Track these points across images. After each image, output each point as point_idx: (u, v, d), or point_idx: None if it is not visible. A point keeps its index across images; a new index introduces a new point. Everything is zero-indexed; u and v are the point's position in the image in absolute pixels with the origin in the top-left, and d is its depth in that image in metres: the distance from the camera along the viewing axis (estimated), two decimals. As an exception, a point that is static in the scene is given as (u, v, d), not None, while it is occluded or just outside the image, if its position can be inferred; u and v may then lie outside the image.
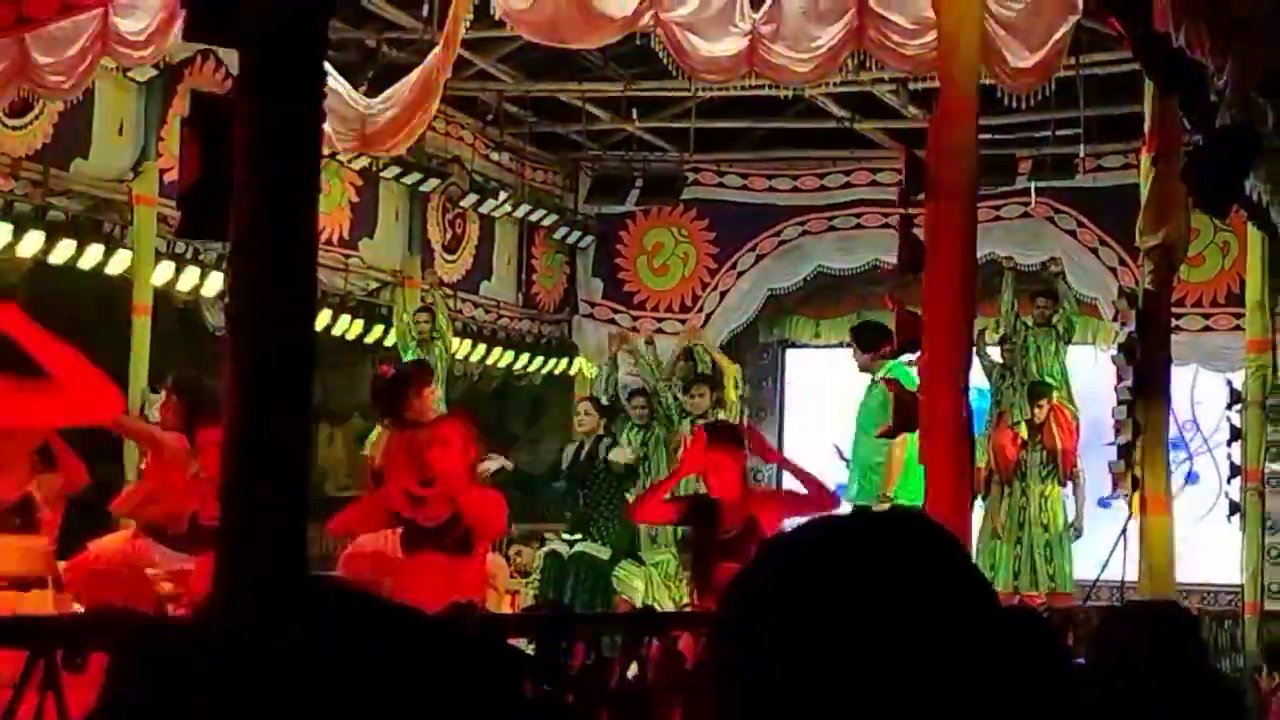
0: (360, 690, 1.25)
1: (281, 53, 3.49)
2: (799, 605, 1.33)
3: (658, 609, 10.63)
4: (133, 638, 3.06)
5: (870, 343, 11.74)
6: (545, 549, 11.93)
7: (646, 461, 12.77)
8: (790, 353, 17.75)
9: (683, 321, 16.80)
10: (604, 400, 13.34)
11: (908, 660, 1.30)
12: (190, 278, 12.65)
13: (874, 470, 11.73)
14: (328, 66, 11.18)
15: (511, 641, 5.18)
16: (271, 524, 3.46)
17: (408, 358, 13.72)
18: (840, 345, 17.26)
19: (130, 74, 11.94)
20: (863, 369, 12.13)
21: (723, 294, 16.97)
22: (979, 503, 13.04)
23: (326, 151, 12.09)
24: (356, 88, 12.06)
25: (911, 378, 11.48)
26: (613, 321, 17.25)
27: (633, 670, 5.34)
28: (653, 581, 11.66)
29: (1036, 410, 13.47)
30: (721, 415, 13.27)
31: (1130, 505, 8.81)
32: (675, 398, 13.37)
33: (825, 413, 17.42)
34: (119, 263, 12.15)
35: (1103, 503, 12.36)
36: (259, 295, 3.51)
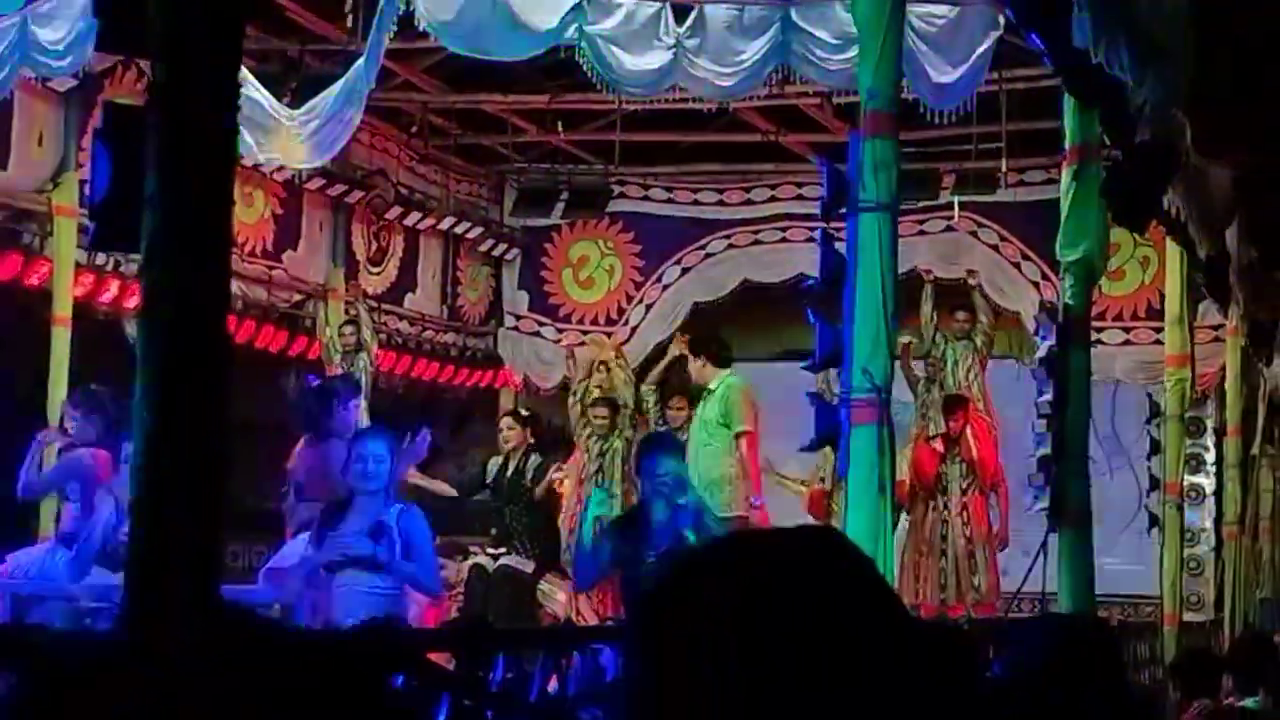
0: None
1: (194, 63, 3.45)
2: (709, 623, 1.32)
3: (580, 623, 10.63)
4: (36, 652, 3.02)
5: (704, 351, 12.06)
6: (469, 562, 11.90)
7: (601, 474, 12.78)
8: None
9: (608, 334, 16.79)
10: (523, 412, 13.35)
11: (826, 675, 1.30)
12: (111, 289, 12.54)
13: (716, 485, 11.72)
14: (250, 77, 11.16)
15: (432, 657, 5.15)
16: (186, 539, 3.42)
17: (332, 370, 13.66)
18: (767, 359, 17.34)
19: (50, 84, 11.80)
20: (697, 379, 12.31)
21: (648, 307, 16.96)
22: (903, 517, 13.13)
23: (249, 163, 12.05)
24: (279, 99, 11.97)
25: (734, 391, 11.72)
26: (538, 334, 17.24)
27: (553, 684, 5.33)
28: (576, 594, 11.64)
29: (952, 423, 13.55)
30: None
31: (1050, 518, 8.88)
32: (643, 403, 13.43)
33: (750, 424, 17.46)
34: (39, 273, 12.02)
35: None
36: (172, 306, 3.47)
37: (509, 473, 12.18)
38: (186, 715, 1.25)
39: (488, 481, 12.27)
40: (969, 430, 13.64)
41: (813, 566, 1.36)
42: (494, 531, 11.86)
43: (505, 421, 12.75)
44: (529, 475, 12.15)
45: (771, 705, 1.29)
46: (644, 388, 13.73)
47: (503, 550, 11.75)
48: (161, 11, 3.55)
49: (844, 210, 7.58)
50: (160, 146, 3.48)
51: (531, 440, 12.60)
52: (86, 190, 11.49)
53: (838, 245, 7.78)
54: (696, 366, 12.45)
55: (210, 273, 3.52)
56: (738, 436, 11.99)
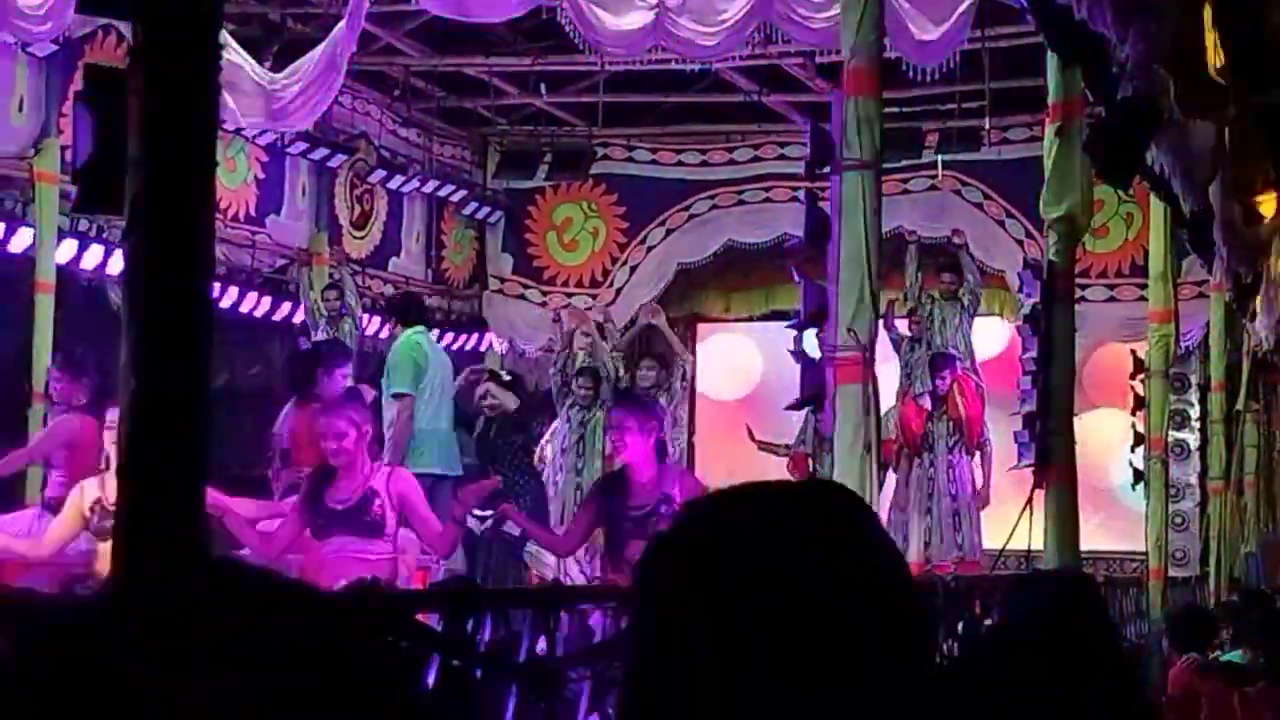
0: (244, 674, 1.24)
1: (174, 25, 3.44)
2: (724, 576, 1.33)
3: (568, 583, 10.65)
4: (23, 614, 3.03)
5: (401, 314, 11.94)
6: None
7: (582, 443, 12.77)
8: (701, 327, 17.78)
9: (593, 297, 16.80)
10: (504, 375, 13.33)
11: (833, 632, 1.31)
12: (94, 255, 12.49)
13: (436, 435, 11.44)
14: (231, 41, 11.12)
15: (420, 618, 5.16)
16: (171, 504, 3.42)
17: (317, 335, 13.63)
18: (750, 319, 17.37)
19: (30, 49, 11.74)
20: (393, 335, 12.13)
21: (632, 269, 16.97)
22: (890, 474, 13.17)
23: (231, 127, 12.01)
24: (261, 62, 11.95)
25: (419, 345, 11.44)
26: (522, 297, 17.24)
27: (541, 645, 5.35)
28: (562, 556, 11.66)
29: (939, 381, 13.59)
30: (664, 397, 13.29)
31: (1035, 474, 8.90)
32: (618, 370, 13.38)
33: (737, 386, 17.53)
34: (21, 240, 11.97)
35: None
36: (155, 270, 3.46)
37: (491, 435, 12.17)
38: (179, 677, 1.26)
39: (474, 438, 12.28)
40: (956, 389, 13.67)
41: (797, 539, 1.36)
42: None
43: (486, 388, 12.73)
44: (514, 439, 12.14)
45: (743, 695, 1.29)
46: (612, 354, 13.70)
47: (489, 512, 11.76)
48: (141, -27, 3.53)
49: (828, 169, 7.57)
50: (142, 109, 3.46)
51: (513, 405, 12.59)
52: (68, 156, 11.45)
53: (822, 204, 7.78)
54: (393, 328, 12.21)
55: (194, 236, 3.52)
56: (394, 396, 11.33)
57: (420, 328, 11.89)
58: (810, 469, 12.87)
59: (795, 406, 9.09)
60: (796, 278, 8.00)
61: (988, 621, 8.26)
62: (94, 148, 3.76)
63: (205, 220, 3.54)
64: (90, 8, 3.98)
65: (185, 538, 3.33)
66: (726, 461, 14.70)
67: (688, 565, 1.35)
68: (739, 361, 17.51)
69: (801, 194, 8.29)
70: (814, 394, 7.80)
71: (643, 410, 8.49)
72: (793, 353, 8.57)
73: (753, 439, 14.65)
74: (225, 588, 1.31)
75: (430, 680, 4.70)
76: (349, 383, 11.93)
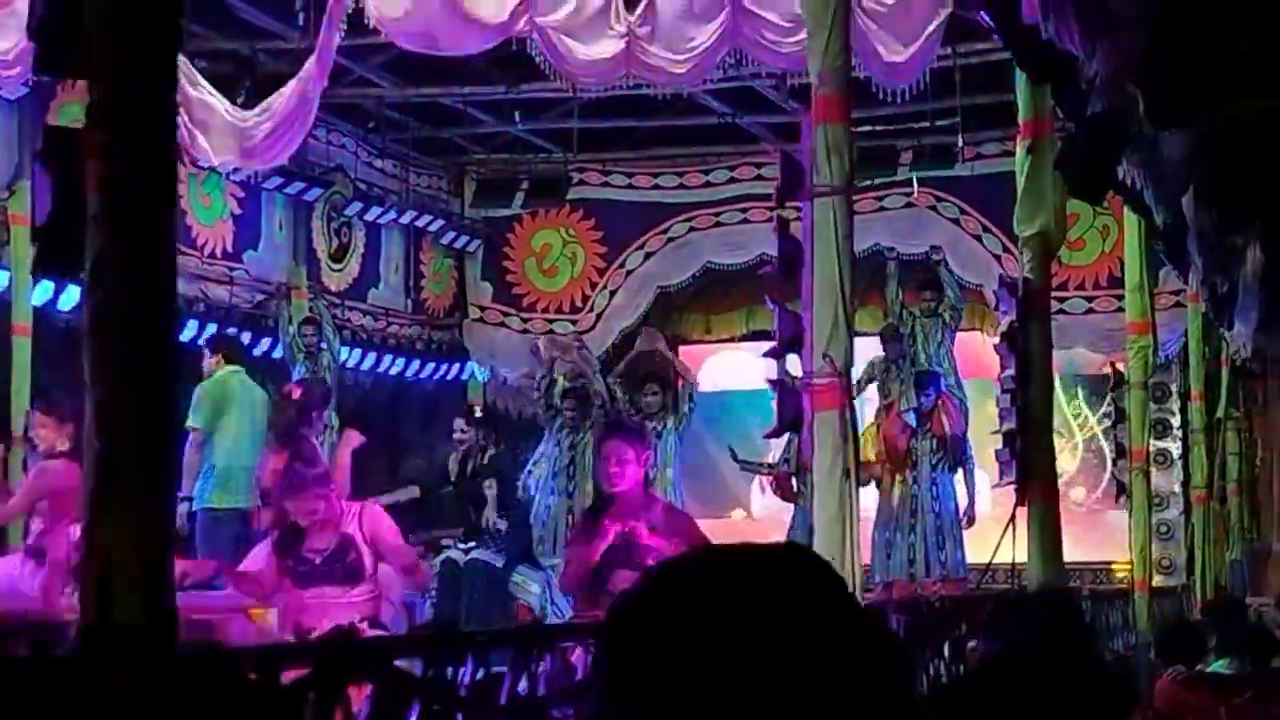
0: None
1: (131, 84, 3.44)
2: (685, 644, 1.34)
3: (555, 616, 10.65)
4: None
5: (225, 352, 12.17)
6: (441, 556, 11.92)
7: (572, 466, 12.79)
8: (682, 349, 17.78)
9: (574, 322, 16.81)
10: (477, 414, 13.38)
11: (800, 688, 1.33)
12: (71, 297, 12.46)
13: (245, 471, 11.58)
14: (202, 80, 11.10)
15: (399, 663, 5.14)
16: (137, 550, 3.42)
17: (296, 372, 13.64)
18: (732, 339, 17.40)
19: (1, 92, 11.73)
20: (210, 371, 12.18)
21: (612, 293, 16.99)
22: (872, 491, 13.19)
23: (204, 166, 12.02)
24: (233, 100, 11.93)
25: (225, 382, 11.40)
26: (503, 324, 17.25)
27: (523, 685, 5.33)
28: (550, 585, 11.66)
29: (924, 398, 13.61)
30: (671, 420, 13.32)
31: (1018, 492, 8.90)
32: (613, 393, 13.39)
33: (720, 409, 17.52)
34: (-4, 284, 11.97)
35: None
36: (119, 326, 3.46)
37: (468, 472, 12.24)
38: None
39: (451, 480, 12.31)
40: (941, 407, 13.68)
41: (762, 584, 1.38)
42: (464, 529, 11.90)
43: (458, 423, 12.83)
44: (483, 474, 12.22)
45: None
46: (609, 380, 13.72)
47: (473, 544, 11.77)
48: (96, 33, 3.53)
49: (799, 198, 7.58)
50: (101, 167, 3.46)
51: (485, 439, 12.67)
52: (42, 199, 11.44)
53: (794, 228, 7.78)
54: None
55: (157, 290, 3.51)
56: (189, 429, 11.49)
57: (237, 368, 12.17)
58: (794, 488, 12.87)
59: (774, 434, 9.08)
60: (770, 304, 7.99)
61: (971, 644, 8.25)
62: (53, 208, 3.76)
63: (168, 274, 3.54)
64: (47, 68, 3.98)
65: (152, 593, 3.33)
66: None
67: (643, 638, 1.37)
68: (720, 382, 17.52)
69: (773, 220, 8.27)
70: (792, 420, 7.80)
71: (640, 440, 8.46)
72: (771, 382, 8.56)
73: (735, 459, 14.66)
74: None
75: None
76: (331, 418, 12.01)
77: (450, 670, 4.91)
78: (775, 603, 1.36)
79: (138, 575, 3.38)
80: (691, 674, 1.33)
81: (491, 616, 11.09)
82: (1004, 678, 3.92)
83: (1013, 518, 9.22)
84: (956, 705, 4.14)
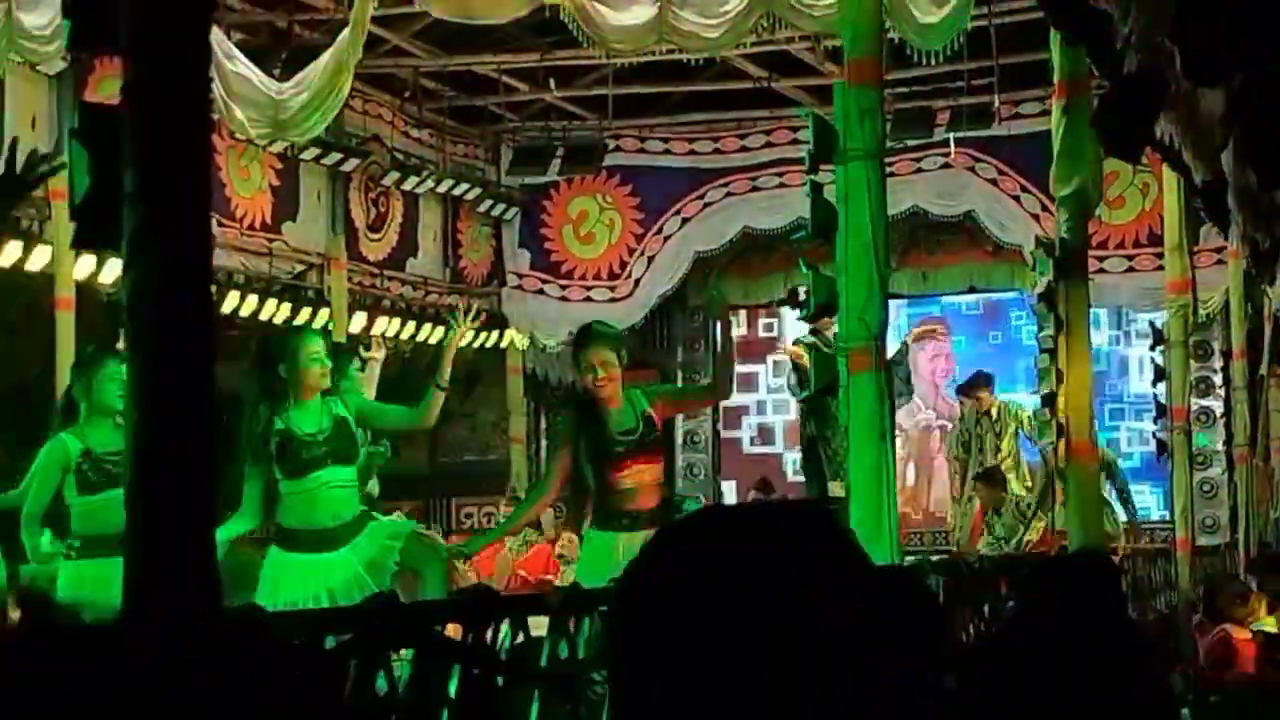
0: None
1: (167, 61, 3.47)
2: (700, 610, 1.34)
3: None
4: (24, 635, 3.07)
5: None
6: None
7: None
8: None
9: (611, 289, 16.82)
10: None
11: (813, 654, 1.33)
12: (113, 270, 12.55)
13: None
14: (238, 53, 11.13)
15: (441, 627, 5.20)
16: (178, 526, 3.47)
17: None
18: (770, 304, 17.38)
19: (39, 67, 11.80)
20: None
21: (650, 259, 16.99)
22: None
23: (242, 138, 12.06)
24: (269, 72, 11.97)
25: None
26: (541, 292, 17.27)
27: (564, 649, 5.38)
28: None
29: None
30: None
31: (1055, 453, 8.90)
32: None
33: (759, 371, 17.57)
34: (40, 258, 12.04)
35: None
36: (156, 304, 3.50)
37: None
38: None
39: None
40: None
41: (778, 547, 1.38)
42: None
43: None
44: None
45: (706, 688, 1.32)
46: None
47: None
48: (131, 8, 3.56)
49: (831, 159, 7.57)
50: (136, 144, 3.50)
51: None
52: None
53: (828, 191, 7.77)
54: None
55: (193, 268, 3.55)
56: None
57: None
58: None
59: (808, 400, 9.10)
60: (804, 268, 7.99)
61: (1009, 605, 8.26)
62: (90, 185, 3.80)
63: (204, 251, 3.58)
64: (80, 44, 4.02)
65: (194, 568, 3.38)
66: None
67: (668, 610, 1.37)
68: (760, 344, 17.51)
69: (807, 185, 8.23)
70: (827, 384, 7.81)
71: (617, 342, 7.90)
72: (804, 343, 8.55)
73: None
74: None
75: (452, 691, 4.74)
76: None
77: (490, 634, 4.96)
78: (792, 592, 1.35)
79: (177, 548, 3.43)
80: (705, 666, 1.32)
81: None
82: (1028, 638, 3.95)
83: (1051, 479, 9.23)
84: (980, 664, 4.18)
